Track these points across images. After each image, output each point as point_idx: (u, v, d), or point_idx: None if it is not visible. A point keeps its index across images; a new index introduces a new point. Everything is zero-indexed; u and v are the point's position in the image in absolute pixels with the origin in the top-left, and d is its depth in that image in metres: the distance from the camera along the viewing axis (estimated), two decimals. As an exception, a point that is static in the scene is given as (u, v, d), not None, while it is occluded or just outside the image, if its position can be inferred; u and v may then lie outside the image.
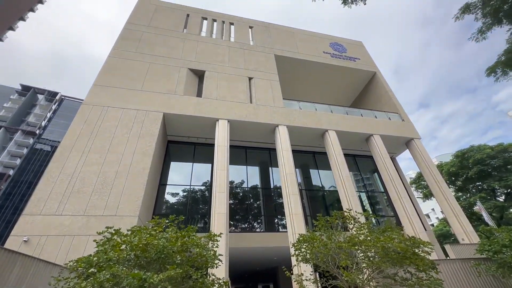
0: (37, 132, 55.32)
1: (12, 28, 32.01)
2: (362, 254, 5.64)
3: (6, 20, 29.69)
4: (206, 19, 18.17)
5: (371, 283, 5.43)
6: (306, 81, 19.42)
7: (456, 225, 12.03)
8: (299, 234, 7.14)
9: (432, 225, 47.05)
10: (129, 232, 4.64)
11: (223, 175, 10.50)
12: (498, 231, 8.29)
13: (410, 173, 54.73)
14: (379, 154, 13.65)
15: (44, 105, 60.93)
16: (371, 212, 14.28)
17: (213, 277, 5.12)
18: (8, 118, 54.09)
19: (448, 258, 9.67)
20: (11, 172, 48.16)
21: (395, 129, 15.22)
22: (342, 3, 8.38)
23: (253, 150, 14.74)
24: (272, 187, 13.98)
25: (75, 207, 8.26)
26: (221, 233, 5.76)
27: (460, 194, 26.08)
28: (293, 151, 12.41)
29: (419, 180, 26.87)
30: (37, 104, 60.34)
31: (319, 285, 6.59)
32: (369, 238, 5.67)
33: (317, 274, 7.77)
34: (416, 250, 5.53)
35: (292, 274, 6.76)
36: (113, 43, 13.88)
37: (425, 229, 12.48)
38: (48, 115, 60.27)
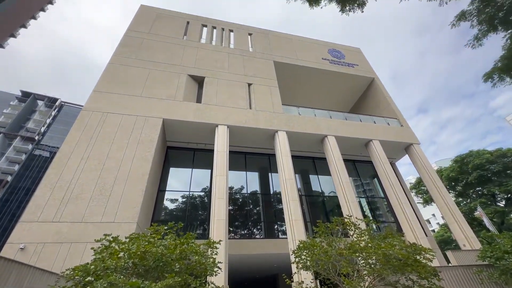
0: (36, 138, 55.20)
1: (13, 35, 32.32)
2: (363, 261, 5.57)
3: (8, 27, 30.02)
4: (206, 26, 18.41)
5: (372, 291, 5.35)
6: (305, 87, 19.57)
7: (457, 231, 11.96)
8: (299, 241, 7.08)
9: (433, 230, 46.71)
10: (127, 240, 4.59)
11: (223, 181, 10.45)
12: (500, 237, 8.24)
13: (410, 178, 54.65)
14: (378, 159, 13.65)
15: (44, 111, 61.02)
16: (371, 218, 14.18)
17: (212, 285, 5.04)
18: (7, 124, 54.12)
19: (450, 264, 9.57)
20: (9, 178, 47.86)
21: (394, 134, 15.27)
22: (339, 10, 8.50)
23: (253, 156, 14.72)
24: (271, 193, 13.91)
25: (73, 214, 8.17)
26: (220, 240, 5.70)
27: (461, 199, 26.01)
28: (293, 157, 12.40)
29: (419, 185, 26.79)
30: (36, 110, 60.45)
31: (320, 293, 6.49)
32: (370, 244, 5.62)
33: (318, 281, 7.67)
34: (418, 257, 5.47)
35: (292, 281, 6.66)
36: (113, 50, 14.00)
37: (426, 235, 12.39)
38: (48, 121, 60.29)
